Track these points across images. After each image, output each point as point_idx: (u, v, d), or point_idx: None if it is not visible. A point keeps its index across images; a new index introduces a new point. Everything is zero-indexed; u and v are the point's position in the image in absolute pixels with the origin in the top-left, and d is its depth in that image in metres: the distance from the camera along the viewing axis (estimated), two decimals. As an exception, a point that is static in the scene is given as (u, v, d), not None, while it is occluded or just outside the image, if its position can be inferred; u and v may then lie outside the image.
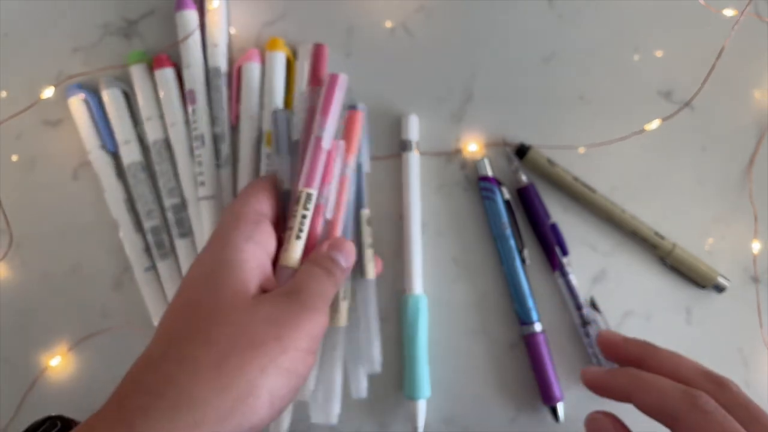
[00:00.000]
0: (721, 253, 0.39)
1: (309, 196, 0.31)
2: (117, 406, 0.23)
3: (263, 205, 0.30)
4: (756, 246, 0.39)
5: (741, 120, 0.40)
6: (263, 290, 0.28)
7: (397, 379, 0.38)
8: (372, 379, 0.35)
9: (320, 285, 0.28)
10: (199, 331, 0.25)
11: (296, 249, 0.30)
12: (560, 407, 0.37)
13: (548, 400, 0.37)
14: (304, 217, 0.31)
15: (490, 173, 0.38)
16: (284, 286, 0.28)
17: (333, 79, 0.33)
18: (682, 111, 0.39)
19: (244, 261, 0.27)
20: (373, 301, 0.35)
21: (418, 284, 0.37)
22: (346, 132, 0.34)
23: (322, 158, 0.32)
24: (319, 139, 0.32)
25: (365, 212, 0.35)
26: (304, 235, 0.31)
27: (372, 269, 0.35)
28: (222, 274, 0.26)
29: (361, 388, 0.34)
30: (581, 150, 0.39)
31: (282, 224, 0.31)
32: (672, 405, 0.25)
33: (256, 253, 0.28)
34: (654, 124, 0.39)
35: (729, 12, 0.39)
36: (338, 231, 0.32)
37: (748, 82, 0.40)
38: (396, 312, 0.38)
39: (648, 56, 0.40)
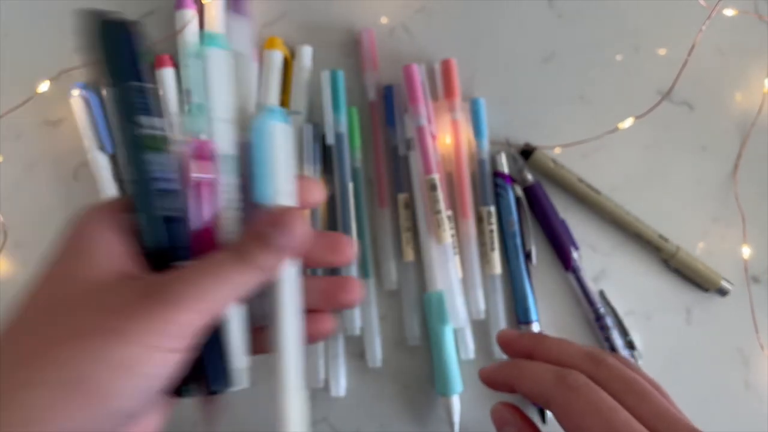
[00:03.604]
0: (720, 254, 0.39)
1: (433, 180, 0.35)
2: None
3: None
4: (746, 251, 0.39)
5: (740, 120, 0.40)
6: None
7: (423, 376, 0.38)
8: (405, 380, 0.37)
9: (204, 274, 0.23)
10: (22, 324, 0.23)
11: (447, 228, 0.36)
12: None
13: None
14: (436, 200, 0.35)
15: (506, 170, 0.38)
16: (155, 276, 0.24)
17: (411, 69, 0.37)
18: (683, 111, 0.39)
19: (91, 248, 0.24)
20: (411, 281, 0.38)
21: (438, 281, 0.37)
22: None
23: (431, 143, 0.36)
24: (422, 128, 0.36)
25: (402, 196, 0.37)
26: (444, 214, 0.36)
27: (409, 252, 0.37)
28: (63, 262, 0.24)
29: (377, 357, 0.37)
30: (557, 150, 0.39)
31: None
32: (545, 387, 0.27)
33: (110, 239, 0.24)
34: (628, 122, 0.39)
35: (729, 12, 0.39)
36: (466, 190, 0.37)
37: (748, 81, 0.40)
38: (396, 310, 0.38)
39: (648, 56, 0.40)
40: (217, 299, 0.23)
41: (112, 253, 0.24)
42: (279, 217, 0.25)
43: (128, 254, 0.24)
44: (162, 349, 0.22)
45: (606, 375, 0.27)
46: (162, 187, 0.24)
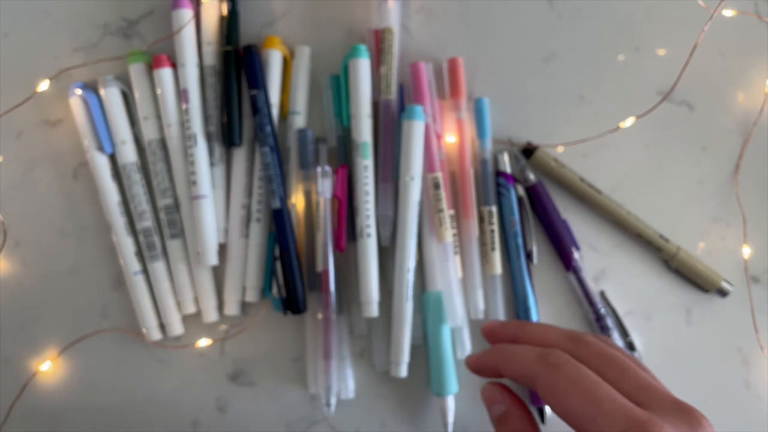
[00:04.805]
0: (720, 254, 0.39)
1: (436, 179, 0.36)
2: None
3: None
4: (746, 251, 0.39)
5: (741, 120, 0.40)
6: None
7: (423, 376, 0.38)
8: (407, 380, 0.37)
9: None
10: None
11: (449, 227, 0.36)
12: (548, 408, 0.37)
13: (536, 401, 0.37)
14: (439, 199, 0.36)
15: (508, 169, 0.38)
16: None
17: (418, 67, 0.37)
18: (683, 111, 0.39)
19: None
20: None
21: (437, 281, 0.37)
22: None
23: (435, 142, 0.37)
24: (427, 127, 0.36)
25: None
26: (447, 213, 0.36)
27: (417, 252, 0.36)
28: None
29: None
30: (559, 149, 0.39)
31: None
32: (529, 367, 0.27)
33: None
34: (629, 122, 0.39)
35: (729, 12, 0.39)
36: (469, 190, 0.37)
37: (748, 81, 0.40)
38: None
39: (648, 56, 0.40)
40: None
41: None
42: None
43: None
44: None
45: (586, 352, 0.27)
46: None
